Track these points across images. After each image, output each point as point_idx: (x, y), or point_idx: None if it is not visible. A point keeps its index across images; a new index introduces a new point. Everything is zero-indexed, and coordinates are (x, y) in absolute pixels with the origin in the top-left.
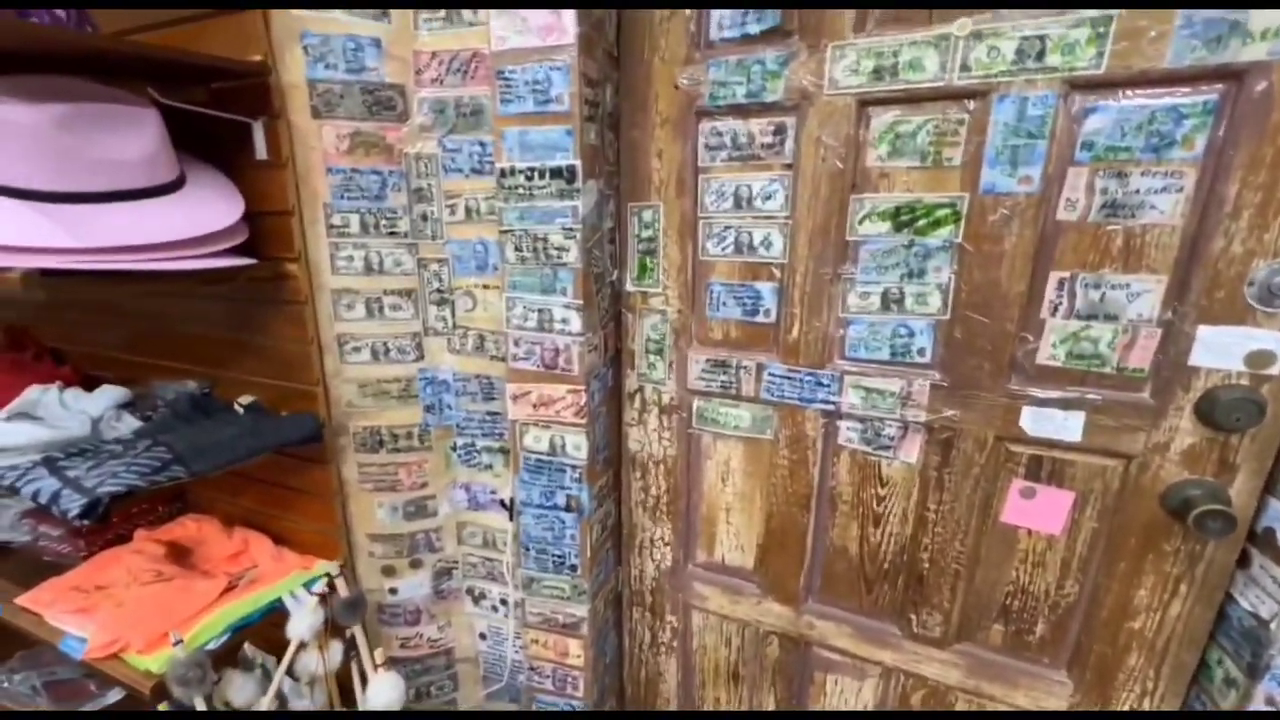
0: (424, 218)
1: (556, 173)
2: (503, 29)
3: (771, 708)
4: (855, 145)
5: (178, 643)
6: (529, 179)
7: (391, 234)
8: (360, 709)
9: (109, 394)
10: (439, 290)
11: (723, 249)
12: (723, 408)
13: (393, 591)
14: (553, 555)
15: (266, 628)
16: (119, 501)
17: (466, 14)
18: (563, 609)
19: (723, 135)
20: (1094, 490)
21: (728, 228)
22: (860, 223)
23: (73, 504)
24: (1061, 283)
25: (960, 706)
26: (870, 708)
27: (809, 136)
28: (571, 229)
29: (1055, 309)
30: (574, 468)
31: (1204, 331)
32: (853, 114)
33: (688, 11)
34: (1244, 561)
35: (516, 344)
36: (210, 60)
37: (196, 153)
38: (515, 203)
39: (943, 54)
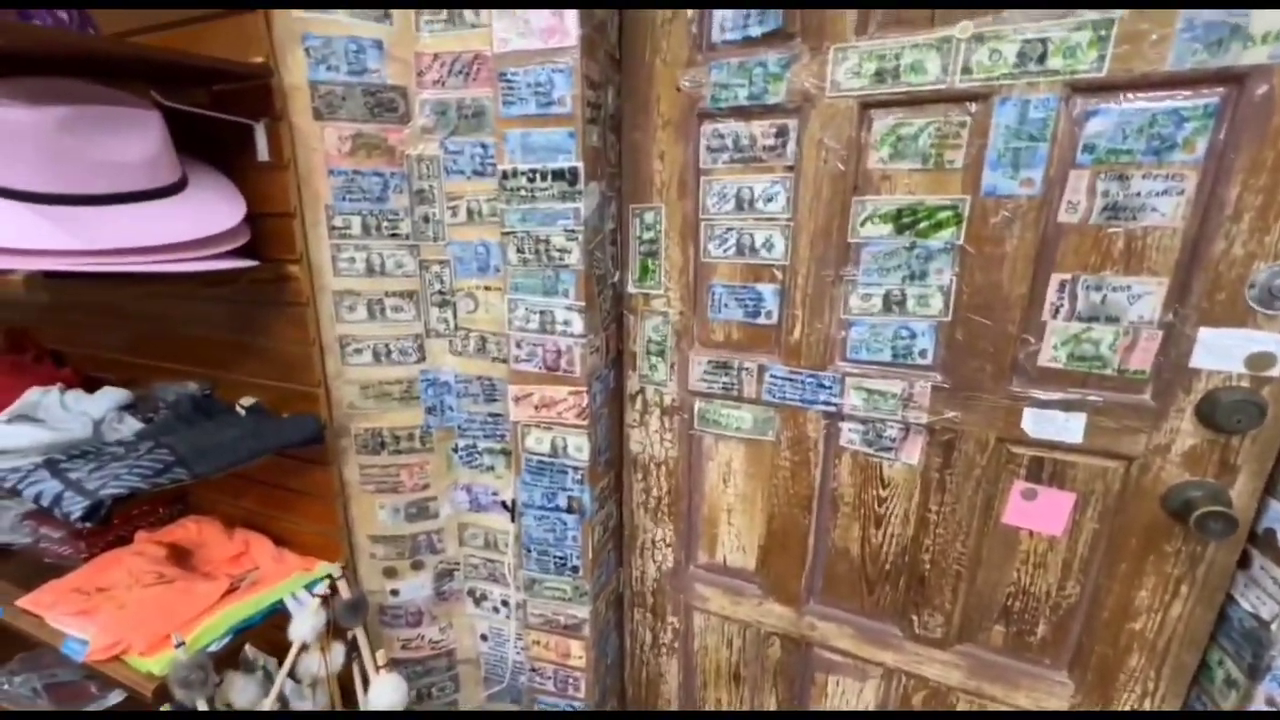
0: (426, 219)
1: (558, 175)
2: (505, 31)
3: (773, 709)
4: (857, 147)
5: (180, 645)
6: (531, 181)
7: (393, 236)
8: (362, 710)
9: (110, 396)
10: (441, 292)
11: (724, 251)
12: (724, 409)
13: (394, 593)
14: (554, 557)
15: (267, 629)
16: (121, 503)
17: (468, 16)
18: (564, 610)
19: (724, 137)
20: (1095, 492)
21: (729, 229)
22: (862, 225)
23: (75, 506)
24: (1063, 285)
25: (961, 707)
26: (871, 709)
27: (811, 139)
28: (573, 231)
29: (1056, 311)
30: (576, 469)
31: (1205, 334)
32: (855, 116)
33: (689, 14)
34: (1244, 563)
35: (518, 346)
36: (212, 62)
37: (198, 155)
38: (517, 204)
39: (944, 57)
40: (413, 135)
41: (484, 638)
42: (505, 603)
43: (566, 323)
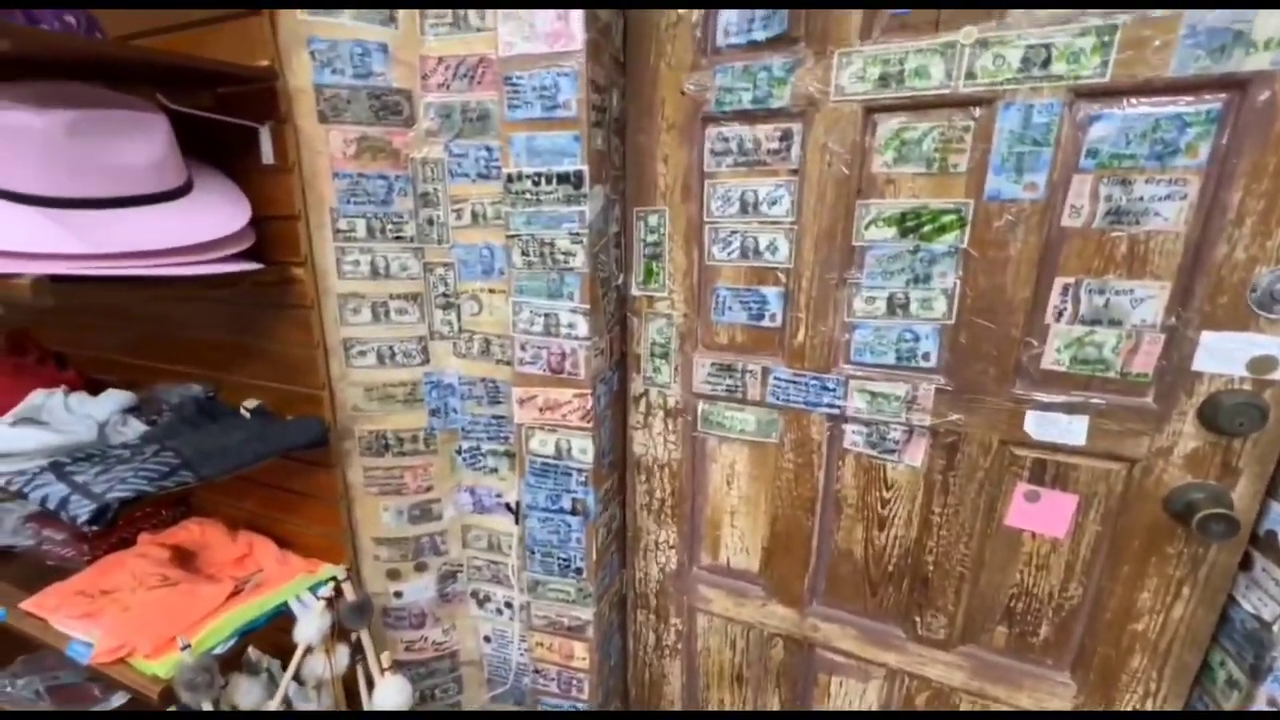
0: (430, 222)
1: (563, 178)
2: (510, 34)
3: (775, 710)
4: (861, 151)
5: (185, 647)
6: (536, 184)
7: (398, 238)
8: (366, 711)
9: (114, 398)
10: (445, 294)
11: (728, 254)
12: (728, 411)
13: (398, 595)
14: (558, 558)
15: (272, 631)
16: (127, 506)
17: (474, 20)
18: (568, 612)
19: (729, 141)
20: (1098, 494)
21: (734, 233)
22: (866, 228)
23: (82, 509)
24: (1066, 288)
25: (964, 708)
26: (874, 709)
27: (815, 143)
28: (578, 234)
29: (1060, 314)
30: (580, 471)
31: (1207, 337)
32: (859, 120)
33: (694, 18)
34: (1246, 564)
35: (523, 348)
36: (217, 65)
37: (203, 157)
38: (522, 208)
39: (949, 62)
40: (417, 138)
41: (487, 639)
42: (509, 604)
43: (571, 325)
